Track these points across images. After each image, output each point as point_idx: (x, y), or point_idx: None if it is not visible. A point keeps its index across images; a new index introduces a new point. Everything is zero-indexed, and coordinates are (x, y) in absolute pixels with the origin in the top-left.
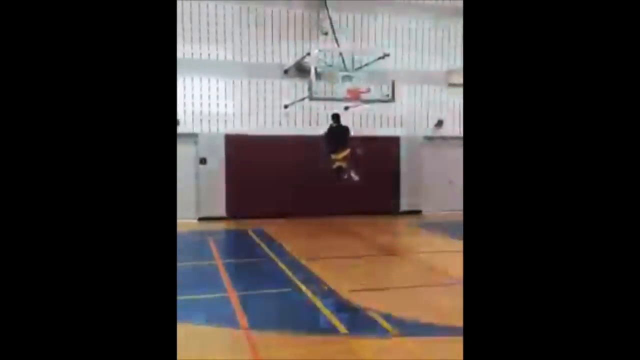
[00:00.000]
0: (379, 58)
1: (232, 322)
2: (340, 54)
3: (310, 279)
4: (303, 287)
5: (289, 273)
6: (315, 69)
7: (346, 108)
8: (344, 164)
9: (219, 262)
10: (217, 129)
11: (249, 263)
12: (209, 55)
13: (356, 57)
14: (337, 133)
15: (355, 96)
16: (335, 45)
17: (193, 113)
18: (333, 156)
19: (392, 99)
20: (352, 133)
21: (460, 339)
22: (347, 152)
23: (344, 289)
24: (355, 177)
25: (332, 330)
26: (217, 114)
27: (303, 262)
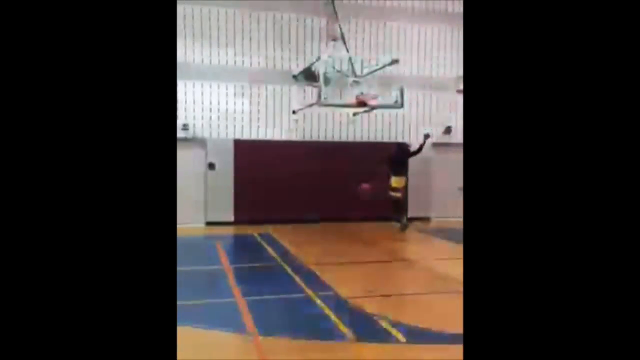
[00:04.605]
0: (389, 64)
1: (239, 328)
2: (350, 59)
3: (318, 285)
4: (311, 293)
5: (297, 278)
6: (325, 74)
7: (355, 114)
8: (399, 195)
9: (227, 267)
10: (226, 134)
11: (257, 268)
12: (218, 60)
13: (365, 63)
14: (403, 155)
15: (364, 102)
16: (345, 51)
17: (202, 118)
18: (395, 182)
19: (402, 105)
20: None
21: None
22: (404, 180)
23: (352, 295)
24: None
25: (340, 336)
26: (226, 119)
27: (311, 267)
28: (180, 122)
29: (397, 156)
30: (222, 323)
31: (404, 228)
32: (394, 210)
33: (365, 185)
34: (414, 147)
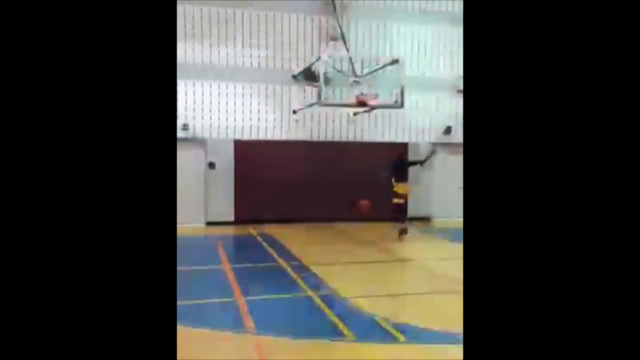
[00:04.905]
0: (389, 64)
1: (239, 327)
2: (350, 59)
3: (318, 284)
4: (310, 293)
5: (297, 278)
6: (325, 74)
7: (355, 114)
8: (402, 201)
9: (227, 267)
10: (226, 134)
11: (257, 268)
12: (218, 60)
13: (365, 63)
14: (403, 163)
15: (364, 102)
16: (345, 51)
17: (202, 118)
18: (396, 188)
19: (401, 105)
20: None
21: None
22: (407, 187)
23: (352, 295)
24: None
25: (339, 335)
26: (227, 119)
27: (311, 267)
28: (180, 122)
29: (398, 165)
30: (222, 323)
31: (403, 232)
32: (395, 214)
33: (364, 202)
34: (415, 148)
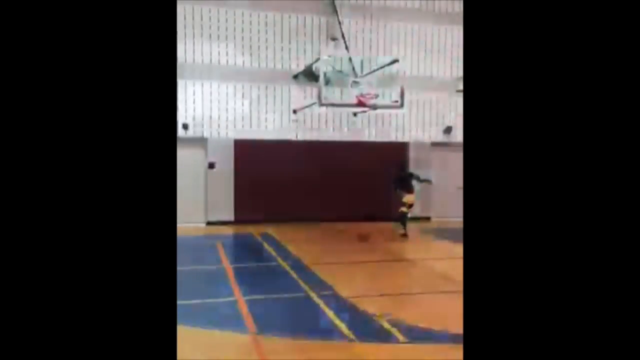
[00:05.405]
0: (389, 64)
1: (240, 327)
2: (350, 59)
3: (318, 284)
4: (310, 292)
5: (297, 278)
6: (325, 74)
7: (355, 114)
8: (409, 211)
9: (227, 267)
10: (227, 134)
11: (257, 267)
12: (218, 60)
13: (366, 63)
14: (404, 172)
15: (364, 102)
16: (345, 50)
17: (202, 118)
18: (405, 198)
19: (401, 105)
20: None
21: None
22: (414, 197)
23: (352, 295)
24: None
25: (339, 335)
26: (227, 118)
27: (311, 267)
28: (180, 122)
29: (401, 175)
30: (222, 323)
31: (403, 236)
32: (398, 219)
33: (363, 234)
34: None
